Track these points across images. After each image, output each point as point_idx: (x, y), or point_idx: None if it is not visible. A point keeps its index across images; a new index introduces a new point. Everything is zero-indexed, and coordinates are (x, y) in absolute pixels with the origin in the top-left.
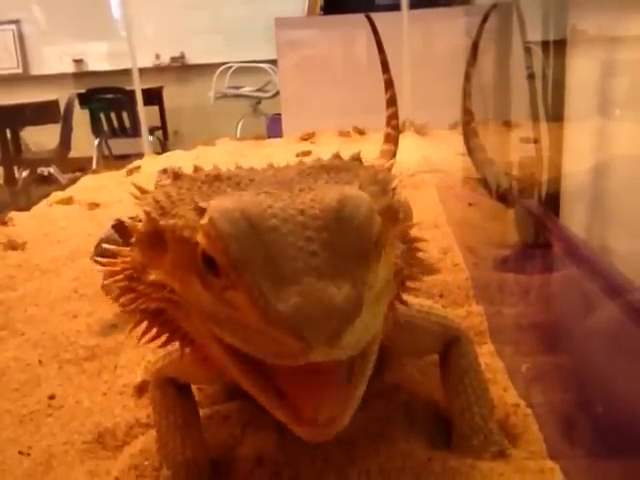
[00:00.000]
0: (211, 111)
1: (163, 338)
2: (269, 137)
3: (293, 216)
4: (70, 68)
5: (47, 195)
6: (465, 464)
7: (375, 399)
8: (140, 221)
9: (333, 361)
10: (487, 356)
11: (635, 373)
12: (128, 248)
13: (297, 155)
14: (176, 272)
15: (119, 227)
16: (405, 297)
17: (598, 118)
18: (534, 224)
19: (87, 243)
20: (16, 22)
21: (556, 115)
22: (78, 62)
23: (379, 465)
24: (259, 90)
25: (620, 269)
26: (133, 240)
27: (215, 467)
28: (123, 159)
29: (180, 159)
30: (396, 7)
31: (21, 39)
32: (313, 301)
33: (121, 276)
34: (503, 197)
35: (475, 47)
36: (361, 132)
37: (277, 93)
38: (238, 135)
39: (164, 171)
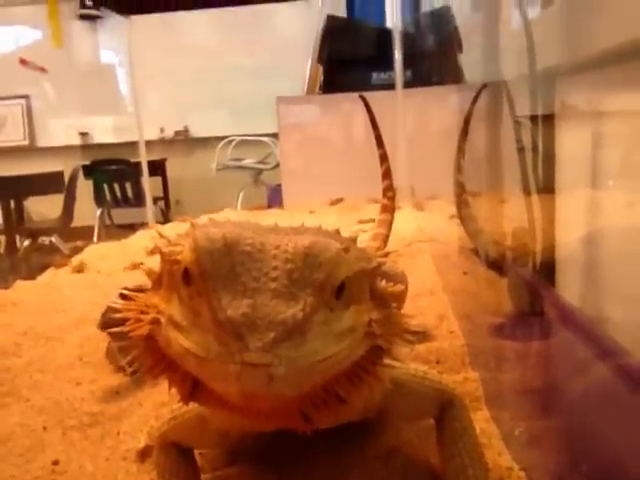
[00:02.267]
0: (213, 182)
1: (155, 371)
2: (269, 207)
3: (268, 249)
4: (76, 140)
5: (49, 265)
6: None
7: (373, 462)
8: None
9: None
10: (482, 422)
11: (627, 436)
12: (142, 294)
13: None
14: (164, 293)
15: (125, 296)
16: (397, 363)
17: (589, 189)
18: (527, 292)
19: (92, 311)
20: (25, 97)
21: (547, 186)
22: (84, 135)
23: None
24: (260, 162)
25: (613, 336)
26: (150, 282)
27: None
28: (125, 228)
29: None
30: (391, 86)
31: (29, 113)
32: (260, 314)
33: (134, 312)
34: (496, 266)
35: (466, 123)
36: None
37: (277, 165)
38: (239, 205)
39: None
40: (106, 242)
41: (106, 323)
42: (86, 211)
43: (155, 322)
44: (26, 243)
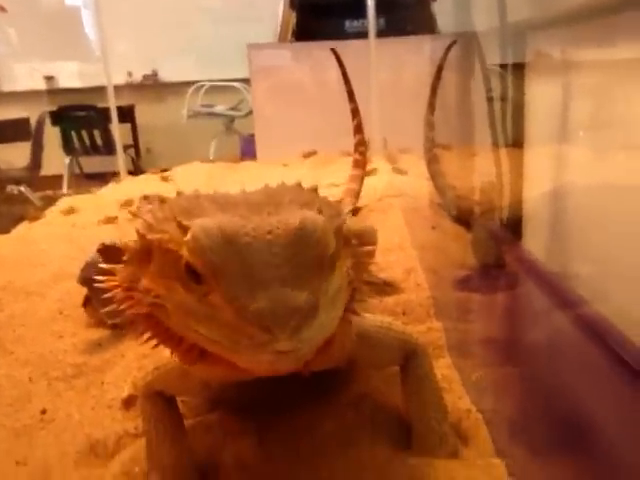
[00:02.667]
0: (184, 129)
1: (154, 341)
2: (243, 158)
3: (262, 235)
4: (41, 85)
5: (20, 216)
6: (422, 462)
7: (344, 408)
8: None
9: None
10: (444, 368)
11: (576, 381)
12: (120, 266)
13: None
14: (160, 279)
15: (104, 251)
16: (365, 314)
17: (559, 141)
18: (489, 246)
19: (69, 265)
20: None
21: (517, 138)
22: (49, 79)
23: (346, 464)
24: (232, 109)
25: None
26: (127, 256)
27: (200, 472)
28: (95, 178)
29: (155, 182)
30: (365, 34)
31: None
32: (279, 304)
33: (119, 288)
34: (463, 221)
35: (436, 79)
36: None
37: (250, 112)
38: (212, 154)
39: (145, 197)
40: (79, 195)
41: (85, 278)
42: (54, 159)
43: (155, 305)
44: None
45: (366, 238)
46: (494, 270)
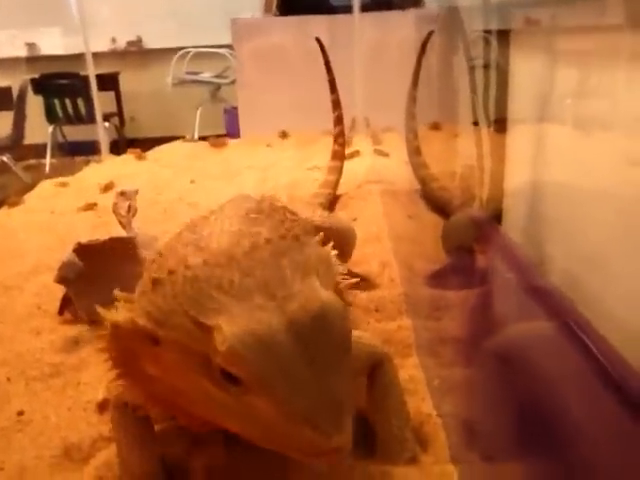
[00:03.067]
0: (169, 97)
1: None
2: (227, 134)
3: (292, 328)
4: (22, 52)
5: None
6: (381, 470)
7: None
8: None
9: None
10: (411, 368)
11: (544, 386)
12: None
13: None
14: (178, 371)
15: (80, 250)
16: None
17: (544, 109)
18: (460, 238)
19: (47, 257)
20: None
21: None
22: (31, 46)
23: (309, 471)
24: (218, 76)
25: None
26: (115, 332)
27: (170, 478)
28: (79, 147)
29: (135, 165)
30: (350, 9)
31: None
32: (321, 401)
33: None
34: (439, 208)
35: (422, 52)
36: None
37: (236, 80)
38: (197, 123)
39: (122, 193)
40: (59, 178)
41: (63, 278)
42: (37, 128)
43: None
44: None
45: (345, 239)
46: (466, 263)
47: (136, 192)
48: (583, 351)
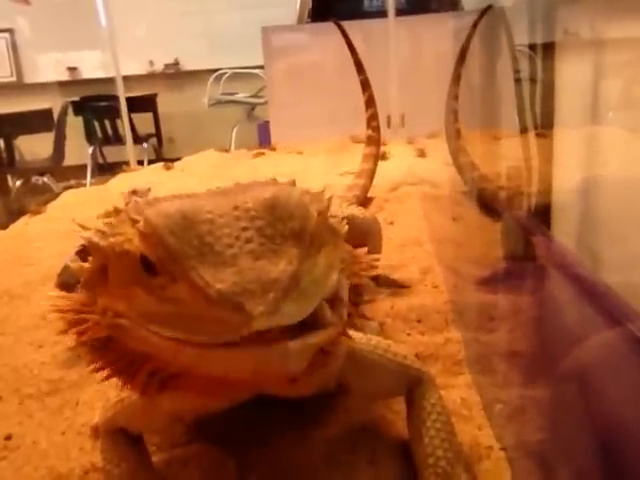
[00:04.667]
0: (205, 117)
1: (107, 372)
2: (261, 145)
3: (227, 211)
4: (64, 76)
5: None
6: None
7: (340, 444)
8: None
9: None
10: (463, 388)
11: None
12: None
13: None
14: (119, 291)
15: (82, 253)
16: (358, 334)
17: (590, 122)
18: (522, 239)
19: (60, 264)
20: (9, 31)
21: (547, 120)
22: (72, 70)
23: None
24: (253, 96)
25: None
26: (82, 279)
27: None
28: (117, 167)
29: (162, 174)
30: (386, 13)
31: (14, 48)
32: (251, 278)
33: (70, 313)
34: (490, 209)
35: (464, 50)
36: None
37: None
38: (233, 141)
39: (134, 192)
40: (84, 188)
41: (63, 283)
42: (78, 149)
43: (114, 327)
44: (18, 183)
45: (364, 228)
46: (524, 268)
47: (148, 190)
48: None
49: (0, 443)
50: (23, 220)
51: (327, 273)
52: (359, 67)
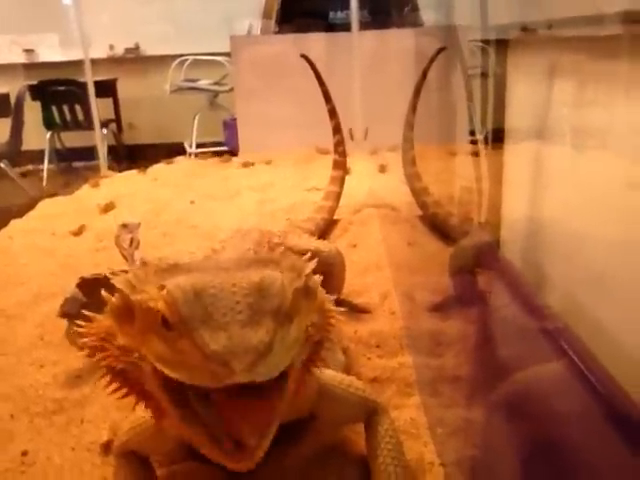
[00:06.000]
0: (167, 104)
1: (123, 392)
2: (226, 145)
3: (227, 287)
4: (21, 58)
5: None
6: None
7: (313, 462)
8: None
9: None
10: (413, 409)
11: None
12: (102, 315)
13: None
14: (141, 337)
15: (83, 285)
16: (327, 372)
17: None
18: (469, 265)
19: (50, 284)
20: None
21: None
22: (29, 52)
23: None
24: (216, 83)
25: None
26: (107, 309)
27: None
28: (76, 155)
29: (136, 180)
30: (349, 26)
31: None
32: (237, 342)
33: (94, 337)
34: (443, 233)
35: (421, 79)
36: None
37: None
38: (195, 129)
39: (124, 226)
40: (57, 197)
41: (66, 313)
42: (35, 134)
43: (131, 363)
44: None
45: (329, 261)
46: (473, 295)
47: (138, 225)
48: (594, 396)
49: (18, 459)
50: (4, 233)
51: (295, 343)
52: (326, 96)
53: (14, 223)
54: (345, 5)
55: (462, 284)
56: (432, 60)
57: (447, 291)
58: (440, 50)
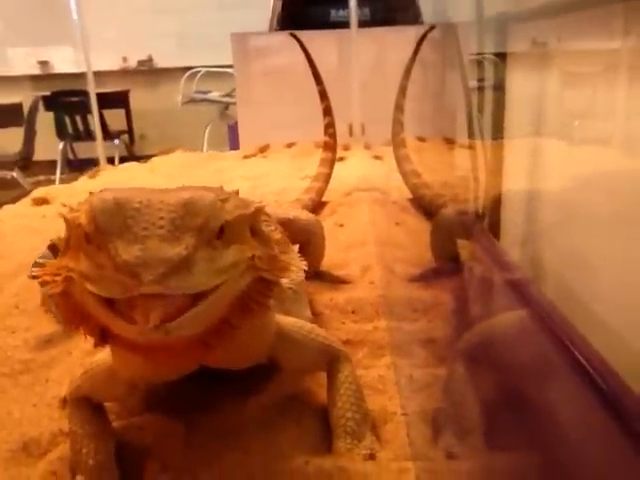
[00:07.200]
0: (178, 115)
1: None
2: (230, 148)
3: (154, 204)
4: (35, 70)
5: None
6: (336, 467)
7: (272, 410)
8: None
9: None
10: (383, 368)
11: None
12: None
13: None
14: (73, 254)
15: (54, 248)
16: (288, 318)
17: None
18: (448, 241)
19: (32, 257)
20: None
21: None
22: (43, 64)
23: (263, 468)
24: (226, 95)
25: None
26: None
27: (125, 472)
28: (88, 164)
29: (135, 170)
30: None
31: None
32: (150, 254)
33: (48, 272)
34: (430, 214)
35: (411, 61)
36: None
37: None
38: (205, 140)
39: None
40: (55, 185)
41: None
42: (48, 145)
43: (67, 280)
44: None
45: (308, 228)
46: (452, 267)
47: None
48: (553, 344)
49: None
50: None
51: (230, 266)
52: (317, 78)
53: (6, 208)
54: (346, 4)
55: (442, 254)
56: (422, 39)
57: (429, 264)
58: (430, 29)
